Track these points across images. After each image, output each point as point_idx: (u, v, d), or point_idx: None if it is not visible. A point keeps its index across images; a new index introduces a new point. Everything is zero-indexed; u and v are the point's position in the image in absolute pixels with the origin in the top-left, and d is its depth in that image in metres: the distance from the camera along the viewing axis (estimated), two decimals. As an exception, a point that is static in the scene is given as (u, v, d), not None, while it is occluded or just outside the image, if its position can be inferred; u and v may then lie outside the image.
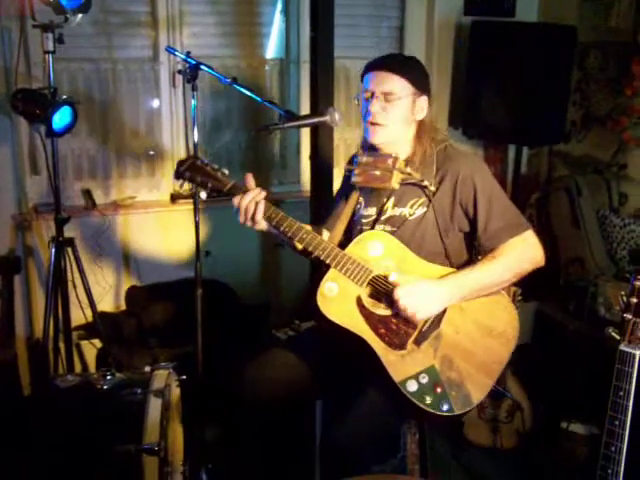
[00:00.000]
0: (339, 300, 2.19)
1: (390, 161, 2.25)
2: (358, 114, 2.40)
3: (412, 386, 2.12)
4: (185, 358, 2.88)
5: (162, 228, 3.76)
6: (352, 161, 2.41)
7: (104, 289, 3.64)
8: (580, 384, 3.24)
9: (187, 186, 2.34)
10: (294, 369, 2.35)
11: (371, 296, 2.20)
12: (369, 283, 2.19)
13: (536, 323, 3.73)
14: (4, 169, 3.41)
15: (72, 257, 3.06)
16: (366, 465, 2.18)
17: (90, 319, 3.29)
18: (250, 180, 2.26)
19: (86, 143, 3.64)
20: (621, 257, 3.76)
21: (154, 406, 2.05)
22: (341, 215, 2.42)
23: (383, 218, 2.33)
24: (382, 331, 2.16)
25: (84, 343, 3.46)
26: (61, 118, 2.84)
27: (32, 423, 2.15)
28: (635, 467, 1.91)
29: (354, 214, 2.43)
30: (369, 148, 2.34)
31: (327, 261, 2.20)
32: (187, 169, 2.26)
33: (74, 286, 3.15)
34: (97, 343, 3.41)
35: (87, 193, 3.60)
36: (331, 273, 2.20)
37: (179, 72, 3.12)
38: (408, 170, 2.25)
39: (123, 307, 3.72)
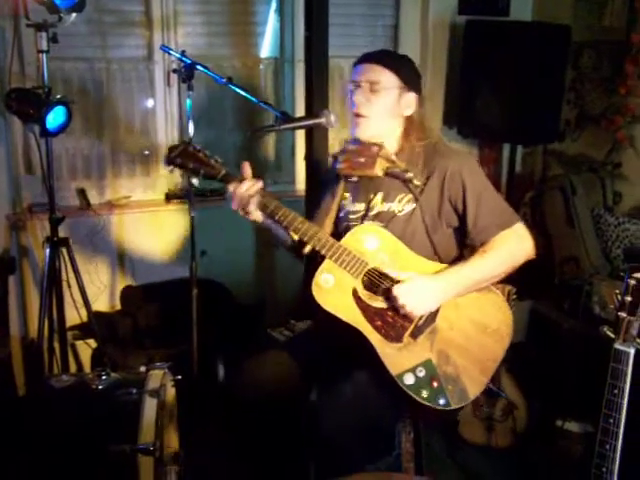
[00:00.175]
0: (335, 291, 2.18)
1: (375, 149, 2.24)
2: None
3: (409, 379, 2.13)
4: (180, 358, 2.88)
5: (157, 228, 3.76)
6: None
7: (99, 289, 3.63)
8: (575, 382, 3.25)
9: (178, 172, 2.30)
10: (288, 368, 2.35)
11: (367, 288, 2.19)
12: (364, 275, 2.19)
13: (531, 322, 3.73)
14: (-2, 169, 3.41)
15: (67, 257, 3.06)
16: (361, 463, 2.18)
17: (85, 319, 3.29)
18: (247, 169, 2.24)
19: (80, 143, 3.64)
20: (616, 256, 3.77)
21: (149, 406, 2.05)
22: (328, 211, 2.40)
23: (371, 214, 2.32)
24: (378, 323, 2.16)
25: (79, 343, 3.45)
26: (55, 118, 2.83)
27: (27, 423, 2.14)
28: (630, 465, 1.92)
29: (340, 209, 2.42)
30: (355, 139, 2.33)
31: (323, 252, 2.19)
32: (178, 155, 2.22)
33: (69, 286, 3.14)
34: (92, 343, 3.40)
35: (82, 193, 3.59)
36: (326, 264, 2.19)
37: (174, 71, 3.12)
38: (393, 158, 2.24)
39: (118, 307, 3.71)
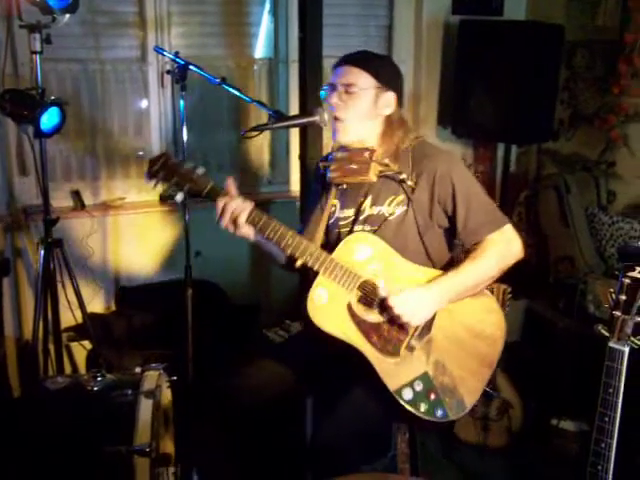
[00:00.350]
0: (330, 308, 2.15)
1: (367, 154, 2.23)
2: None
3: (407, 394, 2.11)
4: (176, 359, 2.88)
5: (152, 229, 3.75)
6: (326, 158, 2.38)
7: (94, 290, 3.63)
8: (570, 381, 3.25)
9: (161, 187, 2.17)
10: (283, 371, 2.34)
11: (360, 302, 2.16)
12: (358, 289, 2.16)
13: (526, 321, 3.74)
14: (-8, 170, 3.40)
15: (61, 258, 3.05)
16: (357, 464, 2.17)
17: (80, 320, 3.28)
18: (231, 186, 2.16)
19: (75, 144, 3.63)
20: (610, 255, 3.78)
21: (145, 407, 2.04)
22: (319, 220, 2.37)
23: (361, 218, 2.30)
24: (374, 339, 2.14)
25: (74, 344, 3.44)
26: (49, 119, 2.82)
27: (22, 425, 2.13)
28: (625, 463, 1.92)
29: (330, 217, 2.38)
30: (340, 145, 2.32)
31: (315, 267, 2.14)
32: (160, 169, 2.13)
33: (63, 287, 3.14)
34: (87, 344, 3.40)
35: (76, 194, 3.58)
36: (320, 279, 2.15)
37: (168, 72, 3.13)
38: (386, 161, 2.23)
39: (113, 308, 3.71)
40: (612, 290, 1.82)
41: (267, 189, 4.09)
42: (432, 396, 2.13)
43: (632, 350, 1.79)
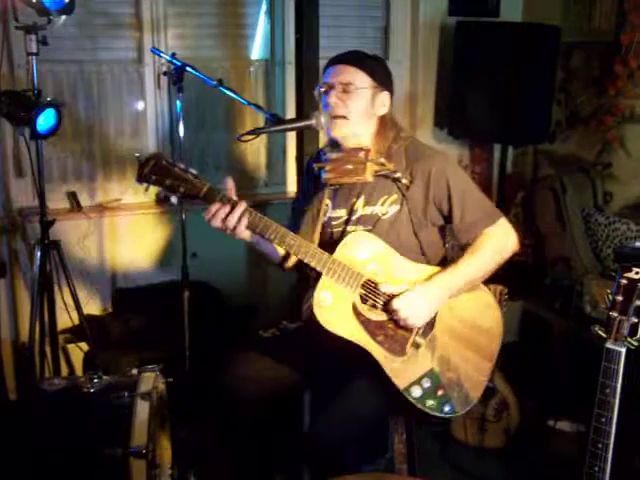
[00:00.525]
0: (335, 309, 2.14)
1: (362, 154, 2.23)
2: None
3: (416, 392, 2.13)
4: (172, 360, 2.87)
5: (148, 230, 3.75)
6: (318, 159, 2.38)
7: (90, 292, 3.62)
8: (567, 382, 3.26)
9: (153, 190, 2.12)
10: (280, 370, 2.34)
11: (364, 301, 2.17)
12: (361, 288, 2.16)
13: (523, 322, 3.75)
14: (-12, 172, 3.39)
15: (58, 260, 3.04)
16: (354, 465, 2.17)
17: (76, 322, 3.27)
18: (230, 184, 2.15)
19: (71, 145, 3.63)
20: (606, 255, 3.79)
21: (141, 409, 2.05)
22: (314, 222, 2.36)
23: (354, 218, 2.31)
24: (381, 338, 2.14)
25: (71, 346, 3.43)
26: (45, 120, 2.82)
27: (19, 427, 2.13)
28: (622, 464, 1.92)
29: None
30: (333, 144, 2.32)
31: (318, 268, 2.13)
32: (152, 171, 2.05)
33: (60, 289, 3.13)
34: (84, 346, 3.39)
35: (72, 196, 3.58)
36: (323, 281, 2.14)
37: (164, 74, 3.13)
38: (382, 160, 2.24)
39: (109, 310, 3.71)
40: (609, 291, 1.82)
41: (264, 190, 4.09)
42: (440, 392, 2.15)
43: (629, 351, 1.79)
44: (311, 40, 3.27)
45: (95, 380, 2.15)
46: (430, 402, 2.13)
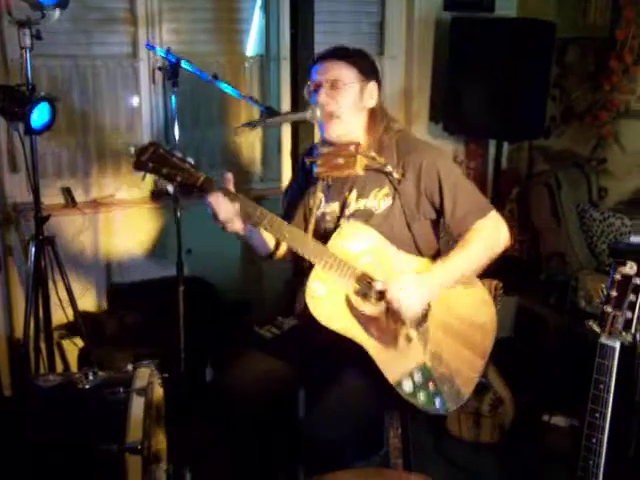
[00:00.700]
0: (328, 300, 2.14)
1: (352, 148, 2.24)
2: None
3: (407, 385, 2.13)
4: (167, 356, 2.87)
5: (143, 226, 3.75)
6: (311, 154, 2.38)
7: (85, 288, 3.61)
8: (561, 377, 3.27)
9: (149, 178, 2.08)
10: (276, 367, 2.34)
11: (357, 294, 2.17)
12: (355, 280, 2.17)
13: (517, 317, 3.75)
14: (-18, 168, 3.38)
15: (52, 256, 3.04)
16: (350, 460, 2.18)
17: (71, 318, 3.26)
18: (229, 177, 2.16)
19: (65, 141, 3.61)
20: (601, 251, 3.80)
21: (137, 404, 2.04)
22: (307, 216, 2.37)
23: (347, 213, 2.31)
24: (373, 330, 2.14)
25: (65, 342, 3.43)
26: (39, 115, 2.80)
27: (13, 424, 2.13)
28: (615, 458, 1.93)
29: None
30: (325, 140, 2.33)
31: (312, 259, 2.14)
32: (149, 159, 2.03)
33: (55, 285, 3.12)
34: (79, 342, 3.38)
35: (67, 191, 3.57)
36: (316, 272, 2.15)
37: (159, 69, 3.11)
38: (372, 154, 2.24)
39: (104, 306, 3.70)
40: (603, 286, 1.83)
41: (259, 186, 4.08)
42: (431, 385, 2.15)
43: (623, 346, 1.80)
44: (306, 35, 3.27)
45: (90, 376, 2.14)
46: (421, 396, 2.13)
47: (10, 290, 3.49)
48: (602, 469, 1.83)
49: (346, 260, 2.16)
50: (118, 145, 3.72)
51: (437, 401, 2.15)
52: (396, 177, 2.24)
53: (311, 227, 2.31)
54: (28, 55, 2.82)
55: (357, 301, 2.16)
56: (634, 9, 3.74)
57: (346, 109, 2.26)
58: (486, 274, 2.29)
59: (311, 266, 2.17)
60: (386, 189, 2.27)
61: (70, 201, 3.55)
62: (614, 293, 1.80)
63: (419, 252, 2.30)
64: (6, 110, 2.83)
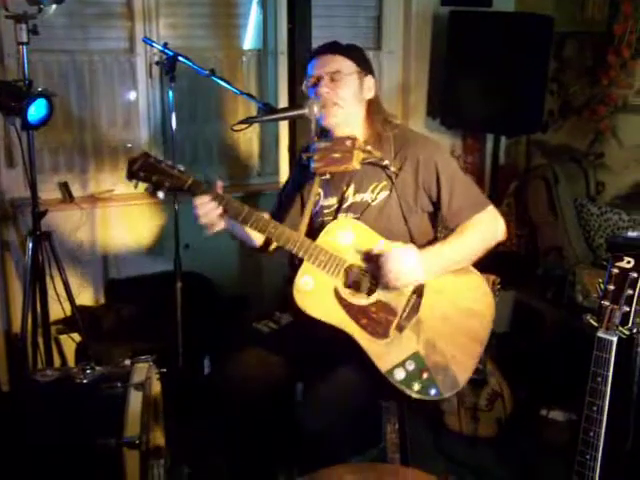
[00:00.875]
0: (316, 294, 2.17)
1: (349, 142, 2.25)
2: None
3: (399, 374, 2.13)
4: (165, 351, 2.87)
5: (141, 221, 3.74)
6: (308, 150, 2.39)
7: (83, 283, 3.61)
8: (559, 371, 3.27)
9: (142, 186, 2.19)
10: (272, 362, 2.34)
11: (347, 285, 2.19)
12: (344, 273, 2.18)
13: (515, 311, 3.75)
14: (-21, 163, 3.38)
15: (50, 251, 3.04)
16: (347, 455, 2.18)
17: (69, 313, 3.27)
18: (219, 184, 2.21)
19: (62, 136, 3.61)
20: (598, 245, 3.80)
21: (135, 399, 2.04)
22: (303, 210, 2.39)
23: (345, 206, 2.33)
24: (364, 321, 2.16)
25: (63, 337, 3.43)
26: (37, 110, 2.80)
27: (12, 419, 2.13)
28: (613, 452, 1.94)
29: (314, 205, 2.40)
30: (322, 134, 2.34)
31: (299, 254, 2.17)
32: (140, 168, 2.15)
33: (52, 280, 3.12)
34: (76, 337, 3.38)
35: (64, 186, 3.56)
36: (305, 267, 2.18)
37: (156, 64, 3.11)
38: (368, 148, 2.26)
39: (102, 301, 3.70)
40: (600, 280, 1.83)
41: (256, 181, 4.08)
42: (425, 375, 2.15)
43: (620, 340, 1.80)
44: (303, 30, 3.27)
45: (88, 371, 2.14)
46: (416, 385, 2.13)
47: (8, 285, 3.49)
48: (600, 463, 1.83)
49: (336, 253, 2.17)
50: (115, 140, 3.72)
51: (432, 390, 2.14)
52: (393, 170, 2.25)
53: (306, 221, 2.32)
54: (25, 50, 2.81)
55: (346, 293, 2.18)
56: (632, 4, 3.73)
57: (347, 100, 2.28)
58: (484, 269, 2.29)
59: (301, 261, 2.19)
60: (383, 183, 2.28)
61: (67, 196, 3.54)
62: (611, 287, 1.80)
63: (415, 244, 2.30)
64: (3, 105, 2.82)
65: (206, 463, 2.84)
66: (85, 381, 2.12)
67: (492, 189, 4.05)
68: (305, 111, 2.29)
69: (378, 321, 2.16)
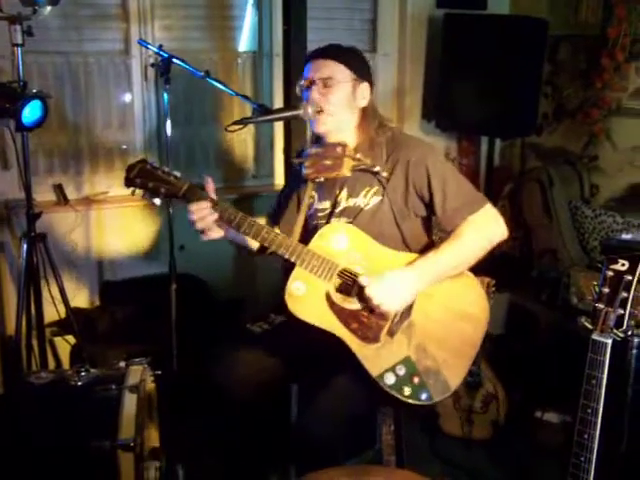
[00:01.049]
0: (308, 298, 2.16)
1: (339, 149, 2.25)
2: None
3: (390, 379, 2.12)
4: (160, 353, 2.87)
5: (135, 223, 3.74)
6: (301, 155, 2.40)
7: (77, 285, 3.60)
8: (553, 373, 3.27)
9: (139, 192, 2.21)
10: (268, 364, 2.34)
11: (339, 290, 2.18)
12: (337, 278, 2.17)
13: (509, 314, 3.76)
14: (-27, 164, 3.37)
15: (44, 253, 3.03)
16: (342, 457, 2.18)
17: (63, 315, 3.25)
18: (211, 186, 2.22)
19: (57, 138, 3.60)
20: (593, 247, 3.81)
21: (129, 401, 2.04)
22: (298, 214, 2.37)
23: (338, 210, 2.32)
24: (354, 326, 2.15)
25: (57, 339, 3.42)
26: (31, 112, 2.79)
27: (6, 421, 2.12)
28: (607, 454, 1.94)
29: (308, 208, 2.40)
30: (315, 140, 2.35)
31: (292, 259, 2.16)
32: (137, 175, 2.17)
33: (47, 282, 3.11)
34: (71, 339, 3.38)
35: (59, 188, 3.56)
36: (297, 271, 2.17)
37: (151, 65, 3.11)
38: (358, 156, 2.25)
39: (97, 302, 3.69)
40: (595, 282, 1.83)
41: (251, 183, 4.08)
42: (415, 379, 2.13)
43: (615, 342, 1.80)
44: (299, 32, 3.26)
45: (82, 373, 2.14)
46: (406, 390, 2.12)
47: (2, 287, 3.48)
48: (594, 465, 1.84)
49: (328, 258, 2.17)
50: (110, 142, 3.71)
51: (422, 395, 2.13)
52: (385, 176, 2.25)
53: (299, 225, 2.32)
54: (19, 51, 2.81)
55: (338, 298, 2.17)
56: (625, 7, 3.75)
57: (337, 107, 2.26)
58: (478, 271, 2.27)
59: (294, 266, 2.18)
60: (375, 188, 2.27)
61: (62, 198, 3.54)
62: (606, 290, 1.80)
63: (408, 249, 2.29)
64: (-3, 107, 2.82)
65: (201, 463, 2.84)
66: (80, 383, 2.11)
67: (487, 191, 4.05)
68: (300, 112, 2.28)
69: (369, 326, 2.15)
